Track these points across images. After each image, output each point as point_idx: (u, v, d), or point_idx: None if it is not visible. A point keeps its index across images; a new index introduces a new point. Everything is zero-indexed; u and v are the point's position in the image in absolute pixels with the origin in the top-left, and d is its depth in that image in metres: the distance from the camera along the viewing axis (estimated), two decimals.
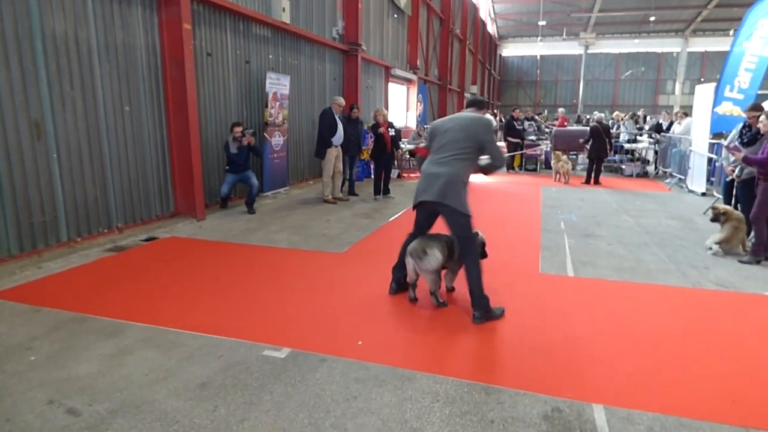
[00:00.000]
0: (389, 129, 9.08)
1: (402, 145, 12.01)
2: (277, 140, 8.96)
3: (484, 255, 4.22)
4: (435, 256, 3.81)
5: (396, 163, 11.61)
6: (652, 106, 37.20)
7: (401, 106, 18.16)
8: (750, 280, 4.83)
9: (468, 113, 4.01)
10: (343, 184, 9.02)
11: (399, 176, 12.13)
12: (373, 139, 9.40)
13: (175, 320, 3.66)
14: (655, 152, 13.74)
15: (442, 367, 3.05)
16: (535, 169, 13.99)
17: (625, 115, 16.99)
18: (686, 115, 12.11)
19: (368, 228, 6.76)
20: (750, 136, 6.27)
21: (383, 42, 14.99)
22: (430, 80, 21.04)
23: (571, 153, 13.94)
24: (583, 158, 14.62)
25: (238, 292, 4.29)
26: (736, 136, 6.83)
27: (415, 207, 4.06)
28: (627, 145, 13.81)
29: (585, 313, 3.95)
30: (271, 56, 9.15)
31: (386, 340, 3.44)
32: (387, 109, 14.62)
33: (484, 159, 3.86)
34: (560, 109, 19.01)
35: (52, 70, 5.15)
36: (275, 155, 8.99)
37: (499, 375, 2.98)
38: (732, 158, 6.26)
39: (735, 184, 6.39)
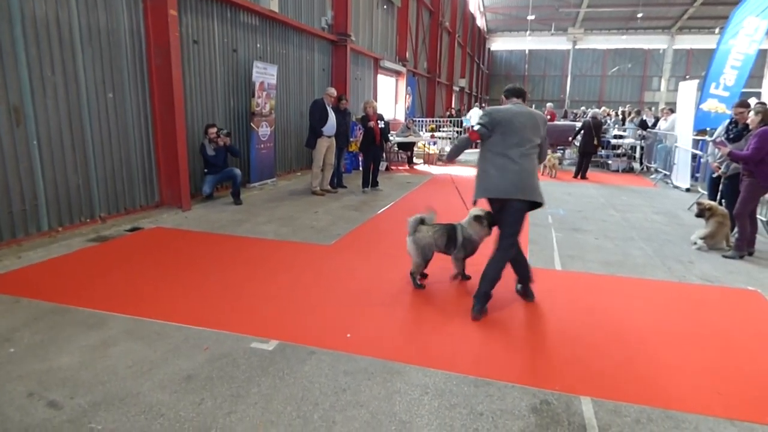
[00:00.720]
0: (379, 121, 9.03)
1: (391, 138, 11.96)
2: (264, 131, 8.85)
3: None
4: (424, 235, 4.10)
5: (385, 155, 11.55)
6: (638, 102, 37.55)
7: (390, 98, 18.08)
8: (733, 274, 4.90)
9: (524, 107, 3.90)
10: (332, 176, 8.96)
11: (387, 169, 12.09)
12: (362, 131, 9.34)
13: (160, 312, 3.60)
14: (641, 148, 13.87)
15: (431, 360, 3.03)
16: None
17: (612, 111, 17.11)
18: (672, 111, 12.23)
19: (357, 220, 6.72)
20: (736, 132, 6.33)
21: (372, 33, 14.88)
22: (419, 73, 20.97)
23: (558, 147, 14.03)
24: (570, 153, 14.74)
25: (224, 283, 4.23)
26: (723, 132, 6.89)
27: (491, 200, 3.86)
28: (613, 141, 13.92)
29: (573, 307, 3.97)
30: (258, 45, 9.02)
31: (375, 333, 3.41)
32: (376, 100, 14.57)
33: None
34: (548, 104, 19.09)
35: (33, 54, 5.00)
36: (262, 146, 8.88)
37: (487, 368, 2.98)
38: (718, 154, 6.33)
39: (721, 180, 6.46)
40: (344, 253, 5.28)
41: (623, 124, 15.65)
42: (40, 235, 5.20)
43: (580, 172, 11.71)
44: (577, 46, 40.79)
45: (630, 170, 13.17)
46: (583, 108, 26.56)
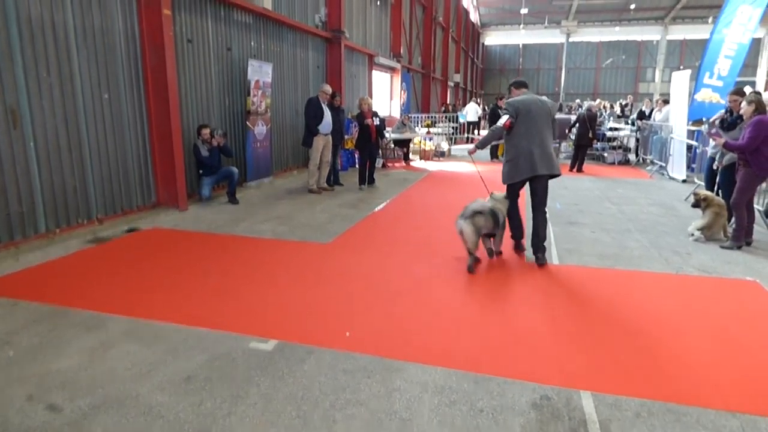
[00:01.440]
0: (374, 118, 9.01)
1: (387, 134, 11.94)
2: (260, 129, 8.82)
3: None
4: (478, 220, 4.57)
5: (381, 152, 11.54)
6: (633, 93, 37.59)
7: (385, 95, 18.04)
8: (731, 265, 4.92)
9: (535, 96, 4.89)
10: (329, 174, 8.94)
11: (384, 165, 12.07)
12: (357, 128, 9.32)
13: (159, 313, 3.59)
14: (637, 140, 13.90)
15: (430, 357, 3.04)
16: None
17: (608, 103, 17.13)
18: (666, 102, 12.24)
19: (354, 218, 6.72)
20: (731, 120, 6.33)
21: (366, 30, 14.83)
22: (414, 68, 20.93)
23: (554, 141, 14.06)
24: (565, 146, 14.76)
25: (222, 283, 4.22)
26: (717, 121, 6.85)
27: (522, 179, 4.81)
28: (609, 133, 13.94)
29: (571, 301, 3.98)
30: (253, 43, 8.98)
31: (374, 331, 3.41)
32: (371, 97, 14.54)
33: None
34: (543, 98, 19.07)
35: (28, 55, 4.97)
36: (258, 144, 8.86)
37: (487, 364, 2.98)
38: (712, 144, 6.33)
39: (719, 170, 6.46)
40: (342, 250, 5.28)
41: (621, 116, 15.66)
42: (38, 237, 5.18)
43: (576, 164, 11.72)
44: (570, 39, 40.74)
45: (626, 162, 13.19)
46: (578, 101, 26.54)
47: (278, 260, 4.90)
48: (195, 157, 7.28)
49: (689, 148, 10.18)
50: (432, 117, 18.85)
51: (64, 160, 5.46)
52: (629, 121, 15.24)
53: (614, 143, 13.75)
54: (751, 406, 2.58)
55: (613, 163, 13.06)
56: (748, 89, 6.70)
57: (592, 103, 13.42)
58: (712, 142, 6.30)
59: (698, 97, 11.25)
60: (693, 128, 9.99)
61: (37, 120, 5.11)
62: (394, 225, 6.45)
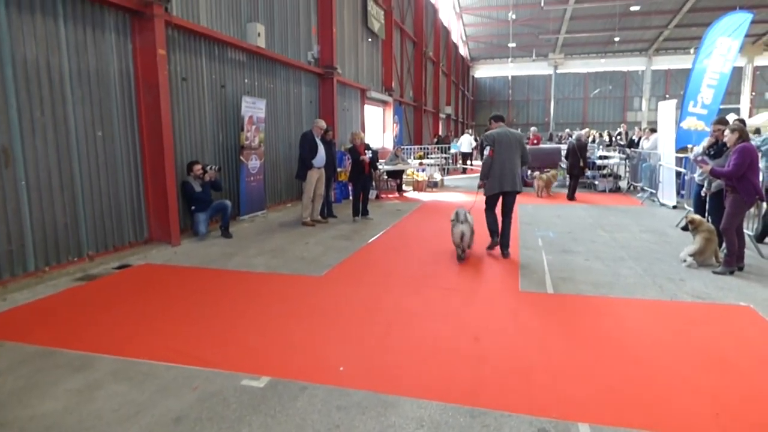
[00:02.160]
0: (366, 151, 9.11)
1: (379, 166, 12.04)
2: (254, 163, 8.88)
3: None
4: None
5: (374, 184, 11.61)
6: (621, 122, 38.37)
7: (378, 128, 18.28)
8: (725, 290, 4.92)
9: (507, 128, 6.24)
10: (322, 206, 8.96)
11: (377, 197, 12.13)
12: (350, 161, 9.40)
13: (148, 351, 3.53)
14: (626, 168, 14.07)
15: (425, 391, 2.99)
16: None
17: (596, 132, 17.44)
18: (653, 131, 12.48)
19: (348, 250, 6.70)
20: (716, 149, 6.45)
21: (358, 65, 15.13)
22: (406, 102, 21.28)
23: (544, 170, 14.25)
24: (559, 177, 14.95)
25: (214, 319, 4.17)
26: (701, 150, 6.97)
27: (495, 193, 6.19)
28: (599, 161, 14.13)
29: (567, 330, 3.95)
30: (246, 80, 9.13)
31: (368, 365, 3.36)
32: (364, 131, 14.74)
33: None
34: (532, 129, 19.40)
35: (22, 97, 5.03)
36: (252, 178, 8.90)
37: (483, 397, 2.93)
38: (699, 171, 6.42)
39: (707, 197, 6.54)
40: (336, 283, 5.25)
41: (610, 144, 15.91)
42: (27, 276, 5.12)
43: (568, 193, 11.87)
44: (558, 71, 41.79)
45: (617, 190, 13.32)
46: (567, 130, 26.99)
47: (271, 294, 4.86)
48: (185, 194, 7.26)
49: (678, 174, 10.32)
50: (425, 148, 19.06)
51: (56, 197, 5.45)
52: (616, 149, 15.48)
53: (604, 171, 13.92)
54: None
55: (605, 191, 13.19)
56: (732, 116, 6.85)
57: (581, 132, 13.66)
58: (699, 170, 6.38)
59: (684, 125, 11.49)
60: (680, 155, 10.15)
61: (29, 159, 5.12)
62: (387, 257, 6.44)
